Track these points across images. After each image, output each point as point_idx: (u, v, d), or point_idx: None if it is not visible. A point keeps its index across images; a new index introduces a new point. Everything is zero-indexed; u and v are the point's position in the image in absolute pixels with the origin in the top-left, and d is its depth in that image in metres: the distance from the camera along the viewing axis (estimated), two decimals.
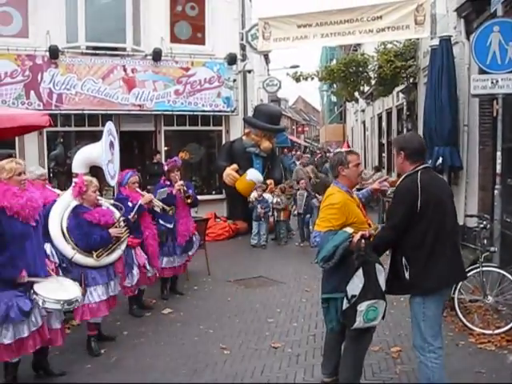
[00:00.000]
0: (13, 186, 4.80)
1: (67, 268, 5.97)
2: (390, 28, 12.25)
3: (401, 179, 4.45)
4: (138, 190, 7.47)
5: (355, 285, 4.22)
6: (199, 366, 5.61)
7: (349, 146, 20.59)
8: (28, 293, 4.87)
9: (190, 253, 8.53)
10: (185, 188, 8.14)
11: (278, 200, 12.36)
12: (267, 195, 12.54)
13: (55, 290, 4.94)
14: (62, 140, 13.98)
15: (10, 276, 4.75)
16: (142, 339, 6.45)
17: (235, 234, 13.48)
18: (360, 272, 4.21)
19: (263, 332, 6.57)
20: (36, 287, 4.85)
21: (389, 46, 14.55)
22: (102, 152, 6.25)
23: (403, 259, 4.24)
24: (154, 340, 6.42)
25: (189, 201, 8.19)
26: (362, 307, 4.20)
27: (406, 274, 4.22)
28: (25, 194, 4.84)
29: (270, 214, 12.68)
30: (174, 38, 14.19)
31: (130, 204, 7.02)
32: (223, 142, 14.68)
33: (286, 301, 7.89)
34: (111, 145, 6.55)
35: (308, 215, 12.40)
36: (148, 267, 7.32)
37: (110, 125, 6.63)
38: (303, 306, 7.66)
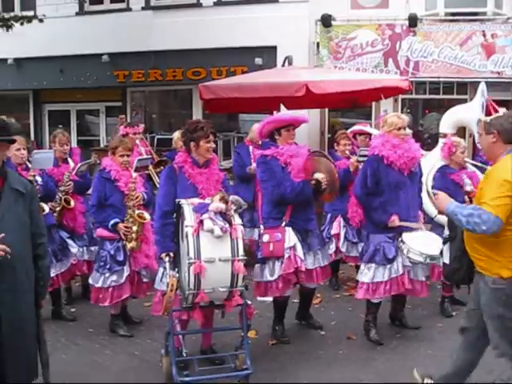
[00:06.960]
0: (392, 138, 5.08)
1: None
2: None
3: None
4: None
5: None
6: None
7: None
8: (396, 241, 5.11)
9: None
10: None
11: None
12: None
13: (422, 243, 5.09)
14: (409, 110, 14.13)
15: (380, 220, 5.07)
16: None
17: None
18: None
19: None
20: (404, 236, 5.07)
21: None
22: (475, 112, 6.13)
23: None
24: None
25: None
26: None
27: None
28: (402, 145, 5.09)
29: None
30: None
31: None
32: None
33: None
34: (482, 106, 6.37)
35: None
36: None
37: (483, 86, 6.46)
38: None
